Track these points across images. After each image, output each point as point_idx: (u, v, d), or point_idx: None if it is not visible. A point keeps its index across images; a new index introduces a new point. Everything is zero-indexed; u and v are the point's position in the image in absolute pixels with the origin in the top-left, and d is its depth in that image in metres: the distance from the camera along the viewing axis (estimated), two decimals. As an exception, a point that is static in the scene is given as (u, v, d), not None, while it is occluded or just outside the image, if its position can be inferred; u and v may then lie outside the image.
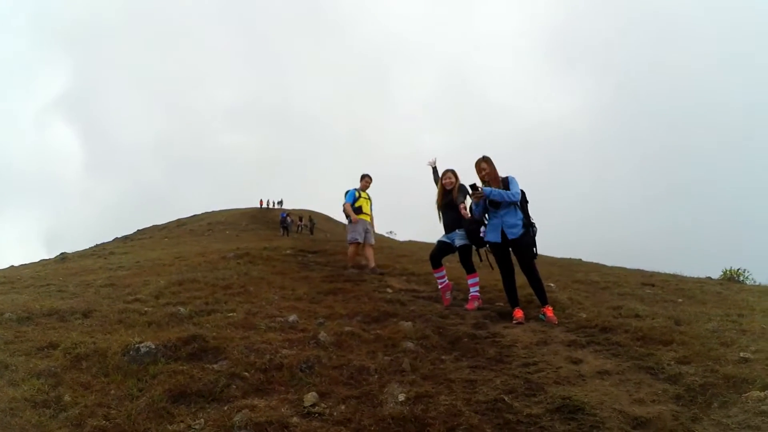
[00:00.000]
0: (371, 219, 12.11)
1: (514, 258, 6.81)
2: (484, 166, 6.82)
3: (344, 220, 13.50)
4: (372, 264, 11.51)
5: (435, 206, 8.20)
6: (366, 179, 12.19)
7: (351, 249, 12.03)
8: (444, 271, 7.96)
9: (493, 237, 6.74)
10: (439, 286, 7.94)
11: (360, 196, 11.89)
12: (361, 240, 11.63)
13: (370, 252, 11.79)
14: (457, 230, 7.74)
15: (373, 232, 12.18)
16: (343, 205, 11.85)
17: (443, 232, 8.03)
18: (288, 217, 44.59)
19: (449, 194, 7.96)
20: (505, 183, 6.71)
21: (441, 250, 7.96)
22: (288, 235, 39.62)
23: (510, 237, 6.60)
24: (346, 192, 11.97)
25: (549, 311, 6.41)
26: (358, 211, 11.72)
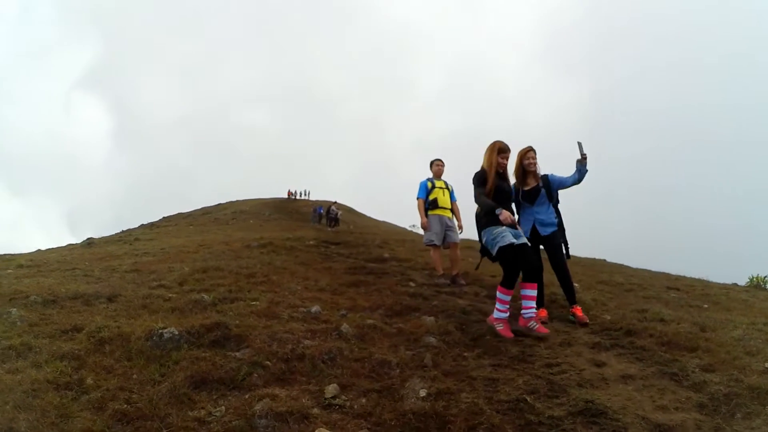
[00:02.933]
0: (456, 213, 9.71)
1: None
2: (533, 155, 6.52)
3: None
4: (455, 270, 9.18)
5: (482, 185, 5.96)
6: (437, 164, 9.83)
7: (432, 254, 9.85)
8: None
9: (524, 233, 6.32)
10: (529, 313, 5.75)
11: (434, 186, 9.61)
12: (438, 242, 9.39)
13: (455, 254, 9.42)
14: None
15: (459, 227, 9.56)
16: (417, 201, 9.65)
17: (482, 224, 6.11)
18: (332, 207, 43.71)
19: (503, 179, 6.16)
20: (545, 179, 6.54)
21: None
22: (338, 225, 39.07)
23: (542, 234, 6.43)
24: (419, 184, 9.78)
25: (578, 311, 6.24)
26: (434, 204, 9.49)
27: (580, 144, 6.10)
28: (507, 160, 6.13)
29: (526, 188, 6.54)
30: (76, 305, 6.01)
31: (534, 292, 5.81)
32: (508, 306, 5.74)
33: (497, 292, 5.78)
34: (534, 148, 6.57)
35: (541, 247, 6.66)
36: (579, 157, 6.13)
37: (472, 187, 6.08)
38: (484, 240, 6.04)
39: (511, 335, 5.53)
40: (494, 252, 5.81)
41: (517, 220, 6.17)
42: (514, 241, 5.70)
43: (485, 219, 5.98)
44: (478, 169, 6.10)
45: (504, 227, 5.75)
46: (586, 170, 6.18)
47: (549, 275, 6.57)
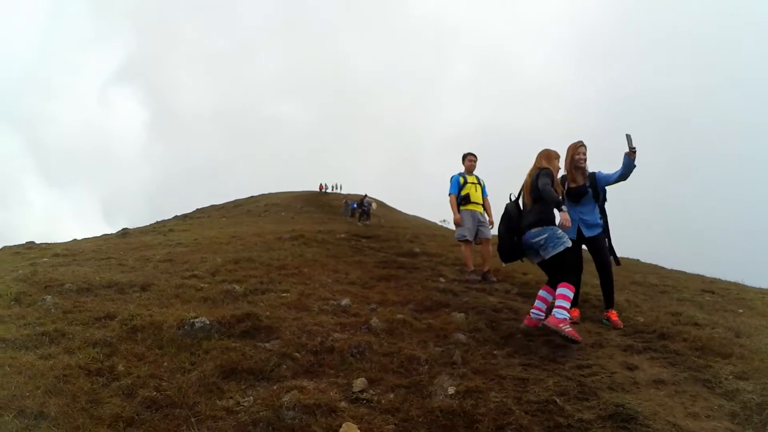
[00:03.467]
0: (487, 208, 9.67)
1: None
2: (584, 150, 6.25)
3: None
4: (486, 266, 9.22)
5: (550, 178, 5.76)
6: (469, 158, 9.74)
7: (463, 249, 9.62)
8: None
9: (569, 233, 6.00)
10: (568, 322, 5.28)
11: (466, 182, 9.52)
12: (470, 237, 9.30)
13: (486, 250, 9.41)
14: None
15: (489, 222, 9.53)
16: (449, 196, 9.59)
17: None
18: (365, 199, 42.82)
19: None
20: (592, 178, 6.26)
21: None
22: (369, 219, 38.46)
23: (587, 235, 6.21)
24: (451, 179, 9.71)
25: (614, 315, 6.07)
26: (466, 199, 9.40)
27: (628, 136, 5.81)
28: (584, 154, 6.25)
29: (573, 185, 6.26)
30: (109, 293, 6.12)
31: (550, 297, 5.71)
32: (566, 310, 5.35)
33: (563, 289, 5.40)
34: (585, 143, 6.31)
35: (584, 247, 6.41)
36: (627, 150, 5.84)
37: (536, 179, 5.69)
38: (544, 236, 5.59)
39: (581, 339, 5.20)
40: (557, 251, 5.51)
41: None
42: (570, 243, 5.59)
43: (543, 216, 5.67)
44: (544, 168, 5.82)
45: (563, 231, 5.61)
46: (634, 165, 5.88)
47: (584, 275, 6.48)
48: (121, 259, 9.49)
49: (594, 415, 3.52)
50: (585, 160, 6.26)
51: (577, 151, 6.26)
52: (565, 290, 5.40)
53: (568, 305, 5.35)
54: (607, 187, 6.38)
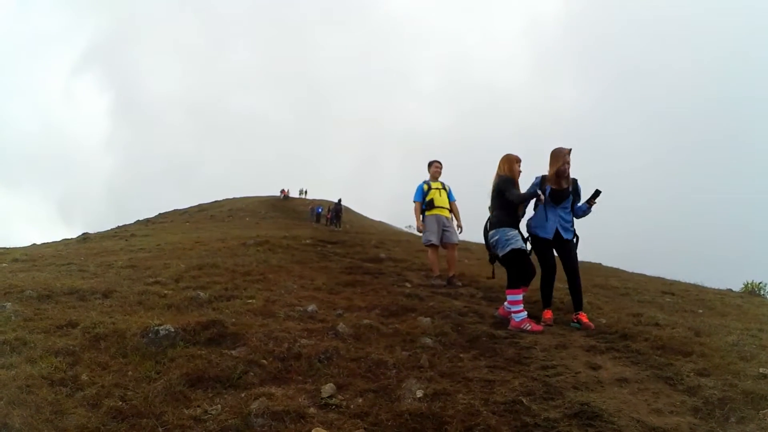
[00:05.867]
0: (455, 212, 9.80)
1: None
2: (569, 160, 6.33)
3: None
4: (451, 271, 9.39)
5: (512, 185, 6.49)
6: (435, 165, 9.96)
7: (429, 254, 9.86)
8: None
9: (546, 233, 6.39)
10: (525, 320, 5.97)
11: (430, 188, 9.70)
12: (436, 241, 9.43)
13: (452, 255, 9.55)
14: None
15: (458, 227, 9.66)
16: (414, 204, 9.77)
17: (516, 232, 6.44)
18: (338, 204, 42.69)
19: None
20: (575, 184, 6.45)
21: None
22: (339, 226, 38.63)
23: (565, 237, 6.36)
24: (417, 187, 9.87)
25: (584, 317, 6.16)
26: (430, 205, 9.56)
27: (597, 193, 6.32)
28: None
29: (556, 188, 6.36)
30: (71, 300, 6.00)
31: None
32: (522, 304, 6.07)
33: (508, 296, 6.15)
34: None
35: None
36: (593, 200, 6.35)
37: (486, 189, 6.64)
38: (496, 238, 6.39)
39: (542, 328, 5.94)
40: (504, 252, 6.26)
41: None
42: (524, 246, 6.32)
43: (497, 219, 6.45)
44: (504, 175, 6.57)
45: (516, 231, 6.35)
46: (589, 212, 6.43)
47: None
48: (82, 264, 9.32)
49: (560, 414, 3.57)
50: (569, 169, 6.39)
51: (566, 159, 6.33)
52: (511, 297, 6.11)
53: (520, 306, 6.02)
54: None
